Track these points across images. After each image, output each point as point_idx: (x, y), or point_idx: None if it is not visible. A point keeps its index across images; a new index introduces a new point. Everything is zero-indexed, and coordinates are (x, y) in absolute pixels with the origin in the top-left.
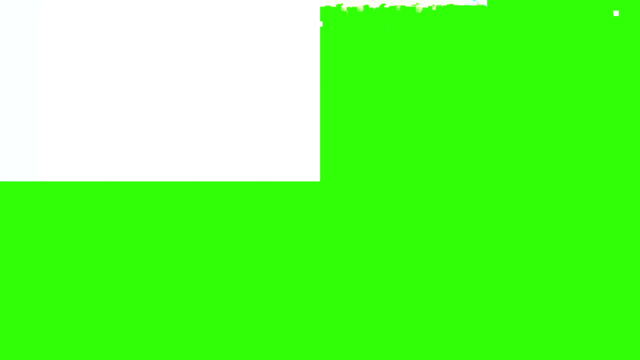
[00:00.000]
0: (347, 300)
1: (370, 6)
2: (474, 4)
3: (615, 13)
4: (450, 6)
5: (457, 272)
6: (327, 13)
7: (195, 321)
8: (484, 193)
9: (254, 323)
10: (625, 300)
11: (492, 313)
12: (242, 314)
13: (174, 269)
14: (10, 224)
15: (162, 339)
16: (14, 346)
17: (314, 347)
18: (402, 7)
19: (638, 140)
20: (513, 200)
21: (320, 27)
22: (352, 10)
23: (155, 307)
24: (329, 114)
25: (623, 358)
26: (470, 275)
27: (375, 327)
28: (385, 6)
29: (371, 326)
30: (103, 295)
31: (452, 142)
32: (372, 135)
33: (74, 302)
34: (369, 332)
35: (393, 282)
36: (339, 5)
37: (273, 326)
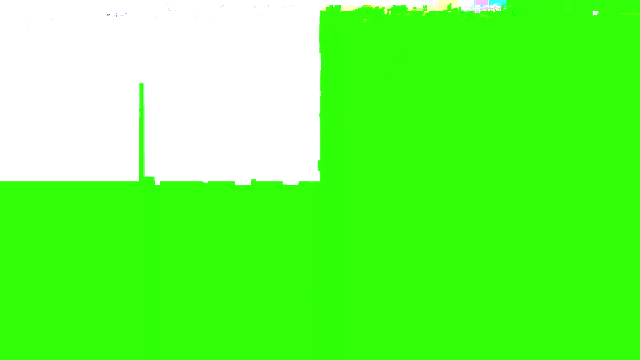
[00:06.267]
0: (346, 299)
1: (370, 7)
2: (488, 9)
3: (595, 13)
4: (450, 8)
5: (456, 271)
6: (327, 15)
7: (194, 320)
8: (483, 193)
9: (254, 322)
10: (625, 300)
11: (492, 312)
12: (242, 313)
13: (174, 268)
14: (10, 224)
15: (161, 337)
16: (13, 342)
17: (313, 346)
18: (403, 8)
19: (638, 141)
20: (512, 201)
21: (320, 29)
22: (353, 12)
23: (155, 306)
24: (329, 114)
25: (623, 358)
26: (469, 275)
27: (374, 326)
28: (384, 10)
29: (370, 325)
30: (103, 294)
31: (452, 143)
32: (372, 135)
33: (74, 300)
34: (369, 331)
35: (392, 281)
36: (338, 7)
37: (273, 325)
